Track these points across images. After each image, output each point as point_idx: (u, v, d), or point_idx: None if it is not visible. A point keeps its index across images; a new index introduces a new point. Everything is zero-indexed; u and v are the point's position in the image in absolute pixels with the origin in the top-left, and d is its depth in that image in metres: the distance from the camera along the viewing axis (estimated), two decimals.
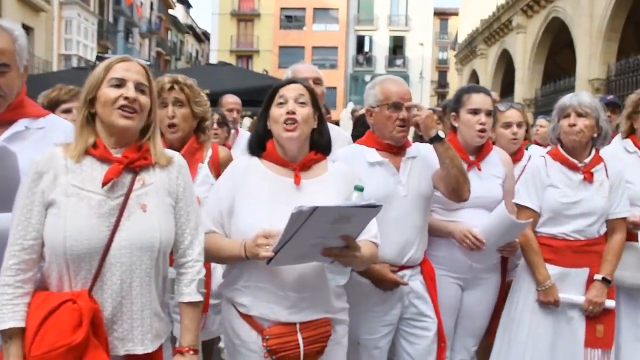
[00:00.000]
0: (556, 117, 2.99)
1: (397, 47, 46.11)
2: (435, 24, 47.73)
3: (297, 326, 2.19)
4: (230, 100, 5.21)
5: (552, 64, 18.18)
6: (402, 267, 2.74)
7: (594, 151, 2.99)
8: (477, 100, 3.00)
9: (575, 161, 2.95)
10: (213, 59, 38.77)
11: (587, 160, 2.96)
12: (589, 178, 2.92)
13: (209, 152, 2.84)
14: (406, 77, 43.64)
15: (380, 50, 45.59)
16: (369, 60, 45.58)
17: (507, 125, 3.50)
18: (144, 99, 1.96)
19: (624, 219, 2.99)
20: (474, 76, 24.77)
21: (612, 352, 2.94)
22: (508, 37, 19.99)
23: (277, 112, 2.27)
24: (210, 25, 46.87)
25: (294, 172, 2.29)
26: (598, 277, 2.90)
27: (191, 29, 52.82)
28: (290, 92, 2.29)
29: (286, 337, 2.18)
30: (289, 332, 2.19)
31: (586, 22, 13.89)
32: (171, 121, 2.73)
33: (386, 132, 2.75)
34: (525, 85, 17.92)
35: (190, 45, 53.80)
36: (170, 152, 2.10)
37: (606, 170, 2.98)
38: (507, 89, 20.20)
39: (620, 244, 2.95)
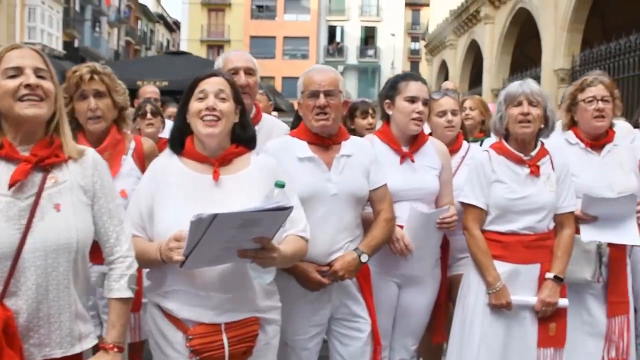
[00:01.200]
0: (504, 105, 2.87)
1: (368, 37, 46.12)
2: (407, 15, 47.77)
3: (222, 326, 2.12)
4: (149, 90, 5.24)
5: (519, 54, 18.27)
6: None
7: (539, 143, 2.90)
8: (414, 88, 2.92)
9: (521, 155, 2.86)
10: (184, 49, 38.31)
11: (533, 153, 2.87)
12: (535, 172, 2.83)
13: (132, 144, 2.73)
14: (377, 68, 43.93)
15: (352, 40, 45.56)
16: (340, 50, 45.51)
17: (442, 113, 3.38)
18: (47, 85, 1.83)
19: (572, 213, 2.92)
20: (444, 67, 24.86)
21: (564, 350, 2.88)
22: (476, 27, 20.03)
23: (196, 107, 2.19)
24: (180, 14, 46.27)
25: (213, 167, 2.20)
26: (550, 275, 2.81)
27: (162, 18, 52.12)
28: (210, 86, 2.20)
29: (210, 337, 2.12)
30: (213, 332, 2.13)
31: (551, 13, 13.91)
32: (94, 113, 2.64)
33: (307, 121, 2.67)
34: (493, 75, 17.99)
35: (161, 34, 53.11)
36: (82, 147, 1.98)
37: (552, 163, 2.89)
38: (475, 79, 20.29)
39: (570, 240, 2.87)
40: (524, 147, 2.87)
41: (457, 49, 22.87)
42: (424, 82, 2.99)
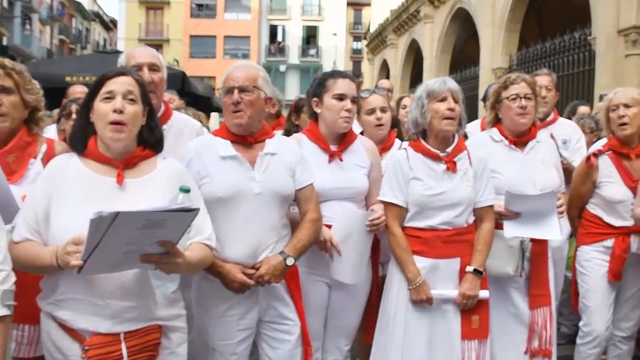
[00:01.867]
0: (426, 100, 2.87)
1: (310, 36, 46.10)
2: (349, 14, 48.02)
3: (122, 336, 2.03)
4: (79, 89, 5.06)
5: (459, 53, 18.59)
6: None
7: (456, 139, 2.93)
8: (342, 85, 2.89)
9: (437, 151, 2.88)
10: (121, 48, 37.28)
11: (449, 149, 2.90)
12: (452, 168, 2.86)
13: (44, 147, 2.51)
14: (320, 67, 43.91)
15: (294, 40, 45.45)
16: (282, 50, 45.33)
17: (371, 111, 3.38)
18: None
19: (492, 206, 2.96)
20: (385, 66, 25.03)
21: (488, 341, 2.91)
22: (417, 27, 20.25)
23: (103, 108, 2.08)
24: (117, 12, 45.01)
25: (117, 170, 2.10)
26: (470, 269, 2.85)
27: (98, 17, 50.72)
28: (118, 86, 2.09)
29: (108, 347, 2.02)
30: (112, 342, 2.02)
31: (489, 13, 14.19)
32: None
33: (226, 119, 2.63)
34: (433, 74, 18.15)
35: (97, 33, 51.68)
36: None
37: (469, 158, 2.93)
38: (416, 78, 20.49)
39: (489, 233, 2.92)
40: (445, 143, 2.90)
41: (398, 48, 23.08)
42: (352, 79, 2.97)
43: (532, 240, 3.10)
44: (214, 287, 2.52)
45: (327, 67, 42.16)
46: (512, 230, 3.02)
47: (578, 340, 3.46)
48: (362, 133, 3.28)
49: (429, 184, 2.85)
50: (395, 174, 2.90)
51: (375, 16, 28.00)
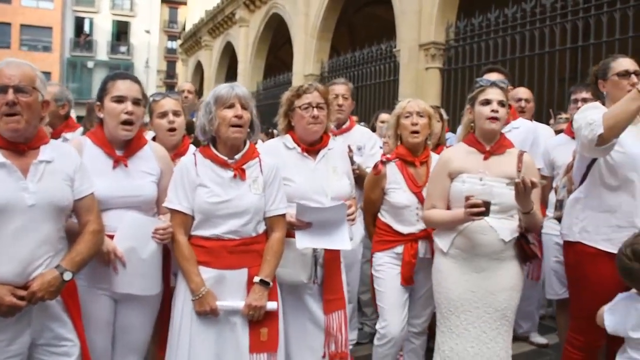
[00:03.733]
0: (214, 107, 2.82)
1: (121, 32, 44.10)
2: (163, 12, 46.70)
3: None
4: None
5: (273, 58, 18.81)
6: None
7: (247, 146, 2.91)
8: (122, 87, 2.79)
9: (225, 158, 2.85)
10: None
11: (238, 156, 2.86)
12: (240, 175, 2.83)
13: None
14: (131, 65, 42.14)
15: (102, 34, 43.10)
16: (89, 44, 42.66)
17: (163, 114, 3.32)
18: None
19: (283, 215, 2.96)
20: (199, 67, 24.69)
21: (279, 354, 2.88)
22: (232, 30, 20.21)
23: None
24: None
25: None
26: (256, 279, 2.81)
27: None
28: None
29: None
30: None
31: (302, 21, 14.50)
32: None
33: None
34: (248, 78, 18.22)
35: None
36: None
37: (261, 165, 2.91)
38: (230, 81, 20.12)
39: (279, 243, 2.91)
40: (234, 150, 2.87)
41: (212, 50, 22.84)
42: (136, 80, 2.87)
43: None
44: None
45: (138, 66, 40.58)
46: (303, 242, 3.05)
47: (375, 342, 3.59)
48: (154, 138, 3.21)
49: (215, 191, 2.78)
50: (181, 180, 2.81)
51: (191, 16, 27.47)
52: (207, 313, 2.74)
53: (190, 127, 3.57)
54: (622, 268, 2.77)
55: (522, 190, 2.89)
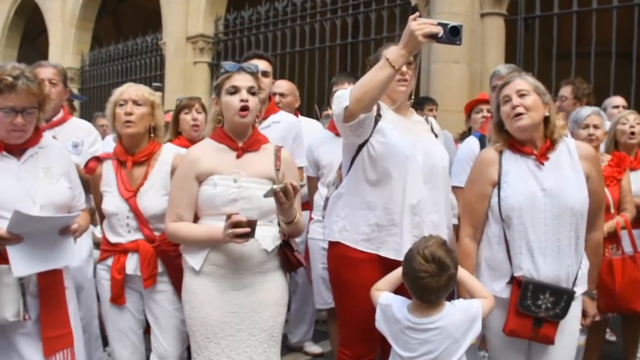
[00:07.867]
0: None
1: None
2: None
3: None
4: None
5: (29, 48, 16.88)
6: None
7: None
8: None
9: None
10: None
11: None
12: None
13: None
14: None
15: None
16: None
17: None
18: None
19: None
20: None
21: None
22: None
23: None
24: None
25: None
26: None
27: None
28: None
29: None
30: None
31: (58, 7, 13.24)
32: None
33: None
34: None
35: None
36: None
37: None
38: None
39: None
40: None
41: None
42: None
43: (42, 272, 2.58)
44: None
45: None
46: (21, 268, 2.45)
47: None
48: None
49: None
50: None
51: None
52: None
53: None
54: (415, 271, 2.41)
55: (284, 199, 2.54)
